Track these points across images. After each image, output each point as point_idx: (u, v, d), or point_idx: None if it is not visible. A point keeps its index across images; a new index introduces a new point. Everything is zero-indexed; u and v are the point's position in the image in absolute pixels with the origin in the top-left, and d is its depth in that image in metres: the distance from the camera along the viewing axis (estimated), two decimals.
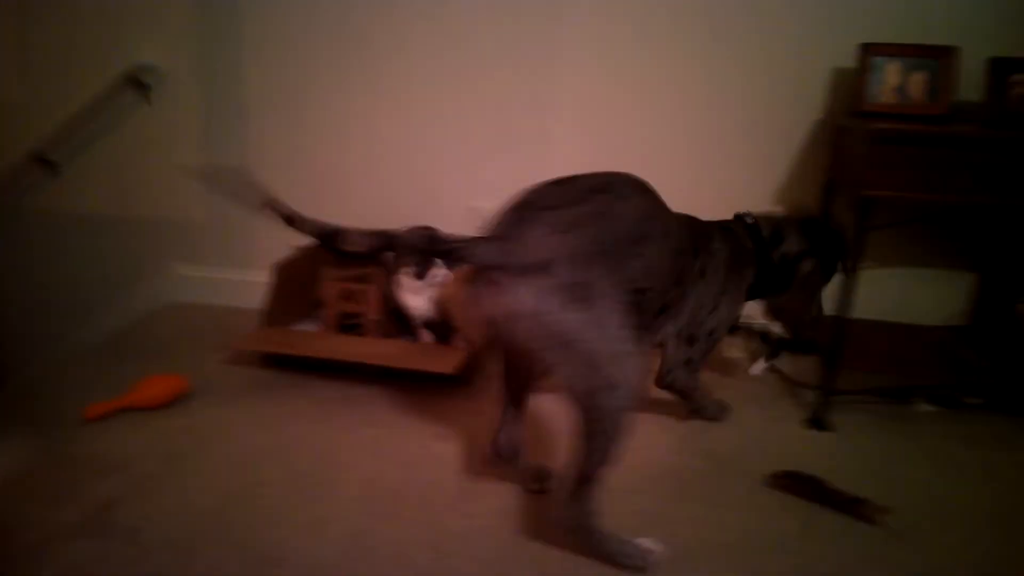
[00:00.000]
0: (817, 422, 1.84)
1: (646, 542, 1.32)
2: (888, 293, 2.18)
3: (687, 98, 2.17)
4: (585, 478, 1.24)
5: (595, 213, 1.22)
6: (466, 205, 2.35)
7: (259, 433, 1.73)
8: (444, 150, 2.35)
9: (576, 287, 1.14)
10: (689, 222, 1.58)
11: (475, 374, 2.05)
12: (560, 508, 1.29)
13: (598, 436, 1.21)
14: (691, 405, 1.80)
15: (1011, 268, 2.05)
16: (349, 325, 2.13)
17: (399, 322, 2.13)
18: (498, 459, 1.57)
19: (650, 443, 1.72)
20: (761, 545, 1.39)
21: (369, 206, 2.42)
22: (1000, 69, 1.78)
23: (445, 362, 1.92)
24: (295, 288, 2.20)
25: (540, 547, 1.36)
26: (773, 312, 1.99)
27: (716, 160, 2.19)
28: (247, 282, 2.47)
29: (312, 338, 2.11)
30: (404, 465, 1.62)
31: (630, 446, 1.30)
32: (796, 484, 1.54)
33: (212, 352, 2.15)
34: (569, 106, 2.23)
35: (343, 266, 2.13)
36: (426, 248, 1.22)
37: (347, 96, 2.35)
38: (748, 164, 2.17)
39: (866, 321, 2.09)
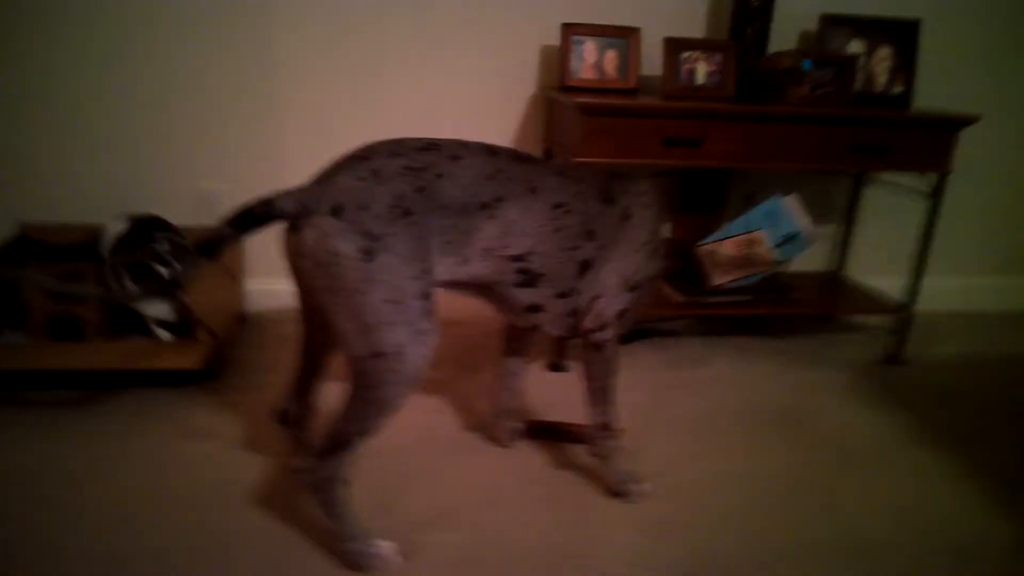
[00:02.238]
0: (556, 365, 2.07)
1: (385, 547, 1.30)
2: None
3: (418, 77, 2.23)
4: (339, 441, 1.22)
5: (411, 169, 1.19)
6: (195, 187, 2.21)
7: None
8: (167, 131, 2.17)
9: (368, 237, 1.12)
10: (591, 172, 1.44)
11: (223, 366, 1.97)
12: (307, 461, 1.26)
13: (362, 402, 1.20)
14: (601, 379, 1.48)
15: (696, 216, 2.44)
16: (64, 329, 1.90)
17: (128, 321, 1.95)
18: (282, 425, 1.50)
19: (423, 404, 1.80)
20: (516, 492, 1.55)
21: (90, 197, 2.17)
22: (674, 48, 2.09)
23: (187, 357, 1.81)
24: None
25: (309, 548, 1.37)
26: None
27: (447, 134, 2.30)
28: None
29: (19, 350, 1.85)
30: (155, 470, 1.52)
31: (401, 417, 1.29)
32: (543, 431, 1.73)
33: None
34: (296, 86, 2.19)
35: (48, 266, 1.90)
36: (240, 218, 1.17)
37: (62, 83, 2.06)
38: (480, 137, 2.31)
39: None
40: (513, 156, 1.33)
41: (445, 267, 1.25)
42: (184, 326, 1.93)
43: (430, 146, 1.24)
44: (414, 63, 2.22)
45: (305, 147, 2.24)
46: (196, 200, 2.24)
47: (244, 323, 2.28)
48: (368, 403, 1.20)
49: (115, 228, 1.98)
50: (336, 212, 1.13)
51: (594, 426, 1.51)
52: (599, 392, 1.48)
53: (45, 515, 1.38)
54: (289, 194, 1.17)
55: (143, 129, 2.16)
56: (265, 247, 2.25)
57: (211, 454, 1.60)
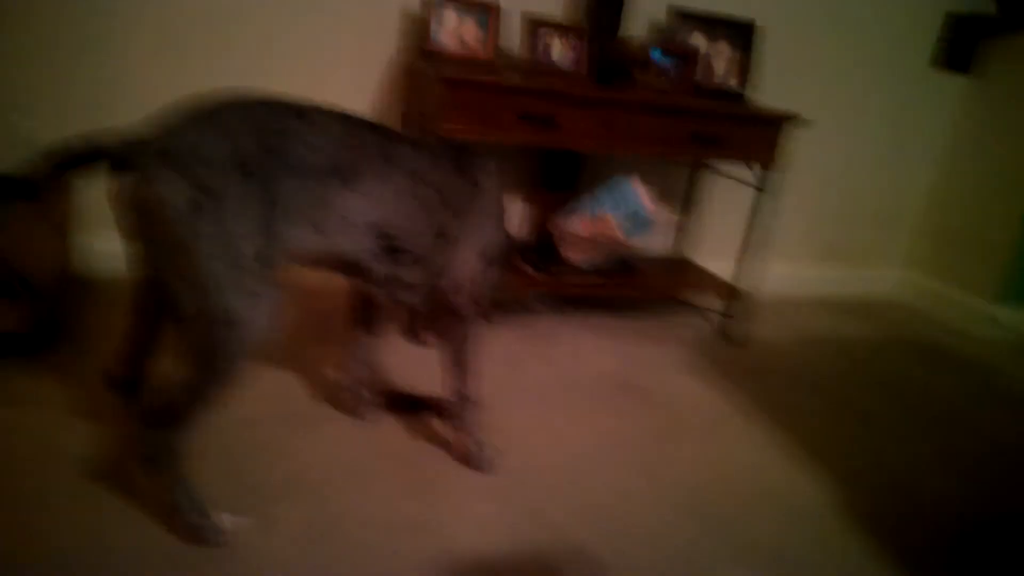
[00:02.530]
0: (413, 335, 2.07)
1: (227, 519, 1.25)
2: None
3: (271, 34, 2.12)
4: (174, 411, 1.14)
5: (260, 126, 1.12)
6: (8, 123, 1.99)
7: None
8: None
9: (198, 188, 1.04)
10: (443, 143, 1.46)
11: (51, 330, 1.79)
12: (140, 431, 1.17)
13: (195, 370, 1.12)
14: (459, 348, 1.50)
15: (551, 193, 2.50)
16: None
17: None
18: (114, 392, 1.36)
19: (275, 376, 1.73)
20: (370, 463, 1.54)
21: None
22: (533, 26, 2.12)
23: (7, 319, 1.63)
24: None
25: (144, 520, 1.29)
26: None
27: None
28: None
29: None
30: None
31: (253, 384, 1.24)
32: (398, 402, 1.73)
33: None
34: (139, 19, 2.01)
35: None
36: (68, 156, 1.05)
37: None
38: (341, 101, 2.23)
39: None
40: (367, 124, 1.30)
41: (299, 237, 1.19)
42: (3, 285, 1.74)
43: (283, 106, 1.19)
44: (267, 18, 2.11)
45: (144, 89, 2.06)
46: (10, 140, 1.99)
47: (75, 283, 2.08)
48: (202, 371, 1.13)
49: None
50: (166, 157, 1.05)
51: (452, 395, 1.52)
52: (458, 361, 1.49)
53: None
54: (115, 135, 1.08)
55: None
56: (101, 198, 2.06)
57: (36, 422, 1.45)
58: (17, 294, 1.69)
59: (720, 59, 2.41)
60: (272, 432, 1.56)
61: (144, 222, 1.06)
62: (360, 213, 1.25)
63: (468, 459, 1.54)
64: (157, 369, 1.39)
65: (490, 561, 1.31)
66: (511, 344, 2.16)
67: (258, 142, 1.12)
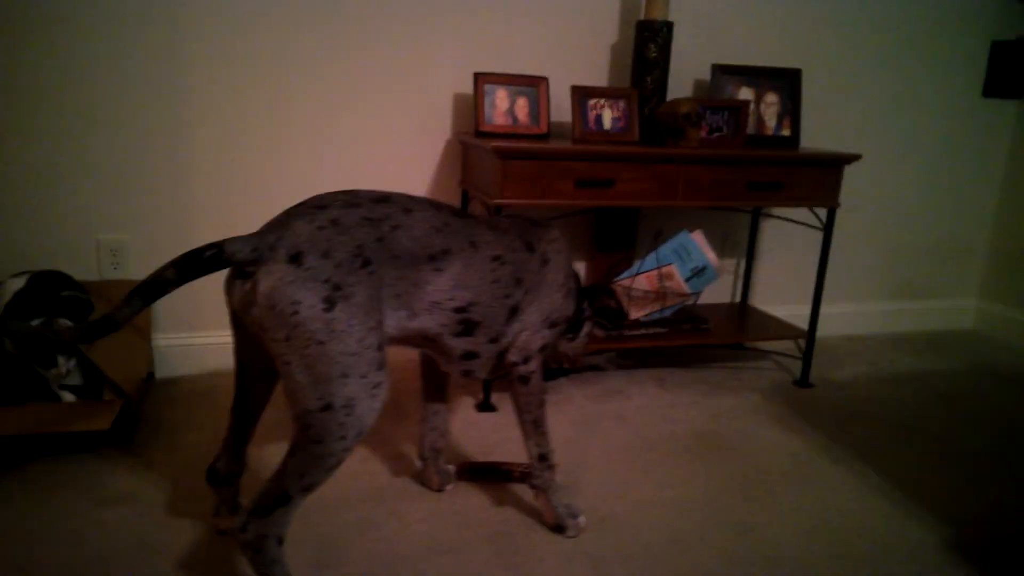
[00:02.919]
0: (485, 405, 2.08)
1: None
2: None
3: (333, 125, 2.24)
4: (279, 497, 1.17)
5: (370, 219, 1.20)
6: (96, 239, 2.12)
7: None
8: (64, 181, 2.08)
9: (329, 287, 1.12)
10: (513, 222, 1.51)
11: (134, 427, 1.87)
12: (242, 519, 1.19)
13: (305, 456, 1.16)
14: (531, 411, 1.51)
15: (609, 254, 2.54)
16: None
17: (27, 386, 1.83)
18: (212, 485, 1.43)
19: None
20: (456, 536, 1.54)
21: None
22: (581, 95, 2.20)
23: (97, 419, 1.71)
24: None
25: None
26: None
27: (376, 184, 2.31)
28: None
29: None
30: (70, 541, 1.42)
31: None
32: (477, 472, 1.73)
33: None
34: (205, 132, 2.15)
35: None
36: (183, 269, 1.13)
37: None
38: (400, 183, 2.33)
39: None
40: (454, 211, 1.38)
41: (395, 320, 1.25)
42: (91, 388, 1.84)
43: (383, 198, 1.27)
44: (329, 112, 2.23)
45: (214, 196, 2.20)
46: (99, 253, 2.14)
47: (153, 382, 2.18)
48: (312, 458, 1.16)
49: (12, 285, 1.87)
50: (295, 259, 1.12)
51: (532, 458, 1.53)
52: (531, 424, 1.51)
53: None
54: (241, 239, 1.14)
55: (38, 179, 2.07)
56: (174, 302, 2.18)
57: (129, 519, 1.51)
58: (103, 396, 1.79)
59: (769, 108, 2.44)
60: (359, 511, 1.58)
61: (274, 322, 1.11)
62: (448, 295, 1.31)
63: (556, 524, 1.53)
64: (252, 457, 1.44)
65: None
66: (583, 405, 2.16)
67: (372, 236, 1.19)
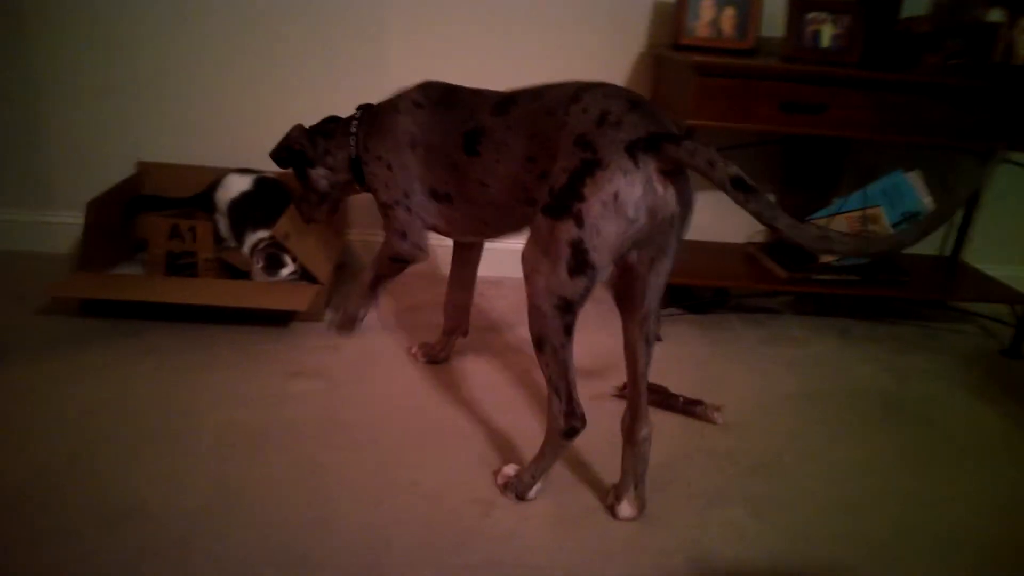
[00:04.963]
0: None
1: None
2: (702, 215, 2.40)
3: (525, 26, 2.19)
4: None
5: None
6: None
7: (91, 386, 1.60)
8: (290, 83, 2.21)
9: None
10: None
11: (322, 310, 2.02)
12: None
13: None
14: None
15: (803, 187, 2.34)
16: (178, 266, 1.99)
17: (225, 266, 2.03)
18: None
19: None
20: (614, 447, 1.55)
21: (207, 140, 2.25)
22: (799, 7, 1.98)
23: (297, 299, 1.86)
24: (111, 229, 2.01)
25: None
26: None
27: None
28: (45, 223, 2.22)
29: (141, 282, 1.95)
30: (261, 406, 1.58)
31: None
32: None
33: (19, 302, 1.93)
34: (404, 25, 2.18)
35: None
36: None
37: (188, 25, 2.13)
38: None
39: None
40: None
41: None
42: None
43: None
44: (522, 14, 2.18)
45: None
46: None
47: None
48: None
49: (237, 183, 2.03)
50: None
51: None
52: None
53: (151, 440, 1.45)
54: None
55: (263, 81, 2.21)
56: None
57: (318, 393, 1.65)
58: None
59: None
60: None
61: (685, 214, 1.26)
62: None
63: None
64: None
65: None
66: (755, 348, 2.05)
67: None
